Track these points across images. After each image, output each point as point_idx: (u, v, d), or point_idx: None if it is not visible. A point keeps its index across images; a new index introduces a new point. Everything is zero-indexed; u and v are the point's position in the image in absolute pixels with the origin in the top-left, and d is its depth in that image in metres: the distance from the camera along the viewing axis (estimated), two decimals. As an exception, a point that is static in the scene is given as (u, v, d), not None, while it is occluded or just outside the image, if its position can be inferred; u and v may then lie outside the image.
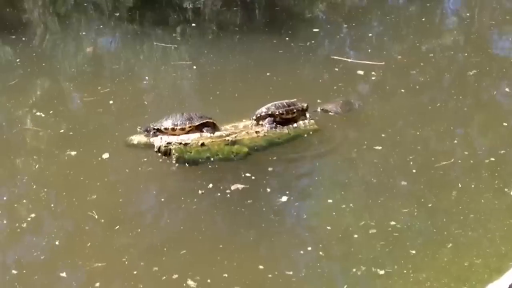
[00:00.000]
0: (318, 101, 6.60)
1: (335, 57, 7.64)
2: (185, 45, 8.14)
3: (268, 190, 5.54)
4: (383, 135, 6.23)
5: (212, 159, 5.86)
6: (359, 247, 4.98)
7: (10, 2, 9.49)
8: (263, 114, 6.17)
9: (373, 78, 7.24)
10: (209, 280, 4.72)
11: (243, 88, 7.06)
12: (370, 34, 8.43)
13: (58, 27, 8.86)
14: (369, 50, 7.86)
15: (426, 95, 7.02)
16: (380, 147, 6.05)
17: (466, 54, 7.91)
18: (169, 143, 5.88)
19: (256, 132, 6.06)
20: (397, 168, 5.81)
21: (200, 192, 5.49)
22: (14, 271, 4.77)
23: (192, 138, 5.92)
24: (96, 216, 5.24)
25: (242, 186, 5.54)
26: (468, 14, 8.91)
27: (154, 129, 6.02)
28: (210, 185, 5.56)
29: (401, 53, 7.75)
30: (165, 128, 5.99)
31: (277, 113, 6.15)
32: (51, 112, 6.63)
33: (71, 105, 6.97)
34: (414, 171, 5.76)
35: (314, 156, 6.04)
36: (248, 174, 5.69)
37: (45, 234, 5.07)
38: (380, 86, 7.12)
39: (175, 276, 4.74)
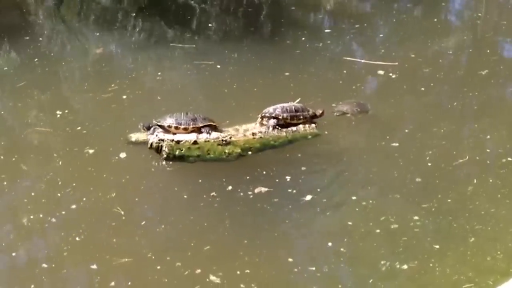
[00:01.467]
0: (333, 104, 6.63)
1: (348, 58, 7.70)
2: (204, 45, 8.17)
3: (290, 190, 5.57)
4: (400, 133, 6.29)
5: (204, 157, 5.89)
6: (382, 242, 5.03)
7: (17, 5, 9.51)
8: (267, 115, 6.20)
9: (387, 78, 7.26)
10: (231, 276, 4.77)
11: (263, 85, 7.11)
12: (381, 35, 8.48)
13: (68, 29, 8.88)
14: (382, 51, 7.89)
15: (442, 94, 7.08)
16: (397, 144, 6.10)
17: (479, 53, 7.96)
18: (161, 140, 5.91)
19: (253, 134, 6.08)
20: (414, 164, 5.86)
21: (212, 194, 5.53)
22: (44, 265, 4.85)
23: (188, 138, 5.95)
24: (122, 212, 5.31)
25: (266, 189, 5.57)
26: (479, 14, 8.97)
27: (157, 125, 6.04)
28: (230, 187, 5.59)
29: (413, 53, 7.78)
30: (169, 126, 6.02)
31: (280, 117, 6.17)
32: (66, 111, 6.68)
33: (86, 103, 6.97)
34: (430, 167, 5.81)
35: (332, 155, 6.06)
36: (270, 174, 5.74)
37: (73, 229, 5.14)
38: (395, 86, 7.14)
39: (198, 271, 4.80)
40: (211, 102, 6.93)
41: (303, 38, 8.15)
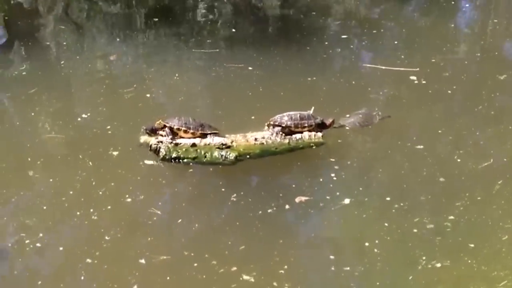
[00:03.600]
0: (347, 115, 6.60)
1: (368, 65, 7.76)
2: (228, 50, 8.25)
3: (329, 197, 5.60)
4: (425, 136, 6.33)
5: (200, 160, 5.93)
6: (418, 242, 5.07)
7: (30, 13, 9.53)
8: (271, 122, 6.25)
9: (415, 84, 7.30)
10: (265, 275, 4.80)
11: (291, 90, 7.17)
12: (395, 42, 8.54)
13: (83, 35, 8.90)
14: (402, 57, 7.93)
15: (466, 98, 7.16)
16: (422, 146, 6.14)
17: (498, 58, 8.06)
18: (160, 142, 5.99)
19: (255, 139, 6.11)
20: (439, 165, 5.91)
21: (234, 196, 5.57)
22: (88, 260, 4.91)
23: (187, 141, 6.02)
24: (159, 212, 5.37)
25: (306, 198, 5.58)
26: (496, 20, 9.08)
27: (165, 126, 6.08)
28: (280, 194, 5.60)
29: (433, 58, 7.83)
30: (178, 128, 6.07)
31: (284, 125, 6.20)
32: (88, 114, 6.73)
33: (103, 106, 6.96)
34: (456, 168, 5.88)
35: (359, 159, 6.11)
36: (306, 180, 5.78)
37: (111, 228, 5.19)
38: (423, 91, 7.18)
39: (234, 269, 4.84)
40: (234, 105, 6.97)
41: (326, 43, 8.24)
